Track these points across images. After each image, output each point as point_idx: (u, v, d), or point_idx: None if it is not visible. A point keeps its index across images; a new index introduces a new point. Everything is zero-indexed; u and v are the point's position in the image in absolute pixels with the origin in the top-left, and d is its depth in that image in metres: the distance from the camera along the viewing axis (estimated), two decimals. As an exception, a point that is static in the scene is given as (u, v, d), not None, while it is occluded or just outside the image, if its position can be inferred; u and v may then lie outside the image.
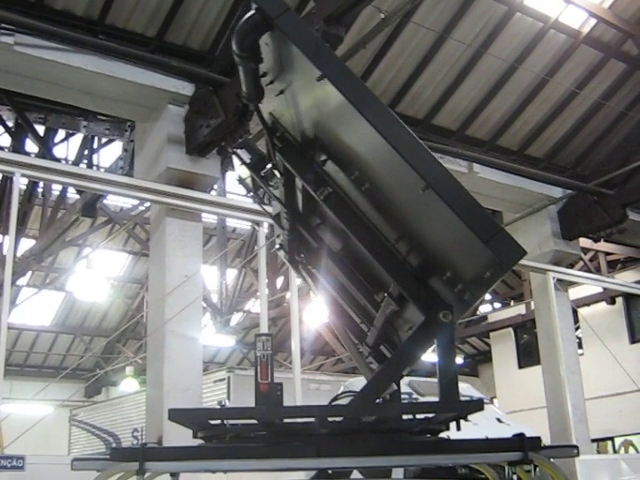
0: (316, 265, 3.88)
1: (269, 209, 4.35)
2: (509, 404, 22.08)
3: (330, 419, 2.77)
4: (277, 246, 4.46)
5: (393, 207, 2.74)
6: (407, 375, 3.31)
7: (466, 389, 12.77)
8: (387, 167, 2.57)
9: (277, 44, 2.81)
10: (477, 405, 2.68)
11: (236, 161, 3.82)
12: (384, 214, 2.82)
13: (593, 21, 12.00)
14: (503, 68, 12.14)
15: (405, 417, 2.93)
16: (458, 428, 2.76)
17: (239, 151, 3.75)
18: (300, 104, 3.04)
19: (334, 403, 3.55)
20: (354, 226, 2.93)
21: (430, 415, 2.86)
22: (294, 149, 3.21)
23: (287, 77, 2.97)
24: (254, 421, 2.80)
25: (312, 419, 2.67)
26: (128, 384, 23.39)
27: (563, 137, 13.71)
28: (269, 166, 3.50)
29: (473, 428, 3.06)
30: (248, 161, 3.71)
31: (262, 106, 3.24)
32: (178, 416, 2.71)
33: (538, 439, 2.64)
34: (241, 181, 4.13)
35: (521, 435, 2.61)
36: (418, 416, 2.90)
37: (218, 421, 2.80)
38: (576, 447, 2.84)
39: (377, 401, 2.84)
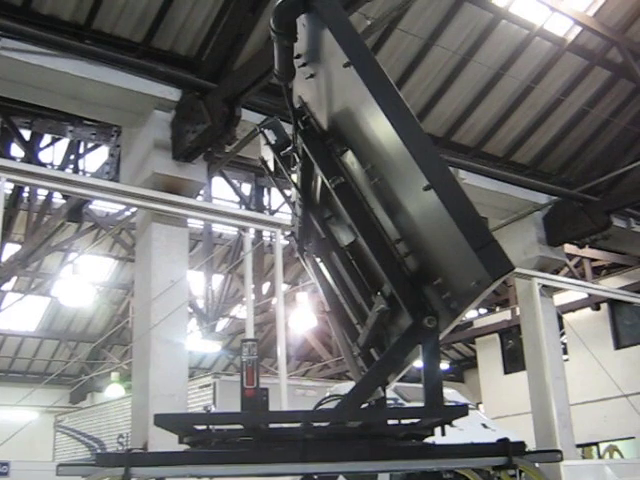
0: (321, 257, 3.91)
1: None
2: (495, 410, 22.14)
3: (316, 424, 2.78)
4: (288, 233, 4.50)
5: (397, 205, 2.76)
6: (398, 381, 3.33)
7: (452, 395, 12.81)
8: (396, 163, 2.59)
9: (313, 26, 2.85)
10: (461, 410, 2.69)
11: (262, 140, 3.84)
12: (389, 212, 2.84)
13: (578, 29, 12.08)
14: (489, 75, 12.21)
15: (390, 422, 2.95)
16: (443, 433, 2.78)
17: (266, 131, 3.77)
18: (327, 90, 3.08)
19: (319, 408, 3.55)
20: (360, 220, 2.96)
21: (415, 420, 2.88)
22: (316, 135, 3.25)
23: (318, 61, 3.01)
24: (240, 426, 2.81)
25: (297, 424, 2.68)
26: (113, 390, 23.26)
27: (548, 144, 13.79)
28: (289, 148, 3.53)
29: (458, 434, 3.07)
30: (273, 142, 3.74)
31: (294, 88, 3.29)
32: (163, 421, 2.72)
33: (522, 444, 2.66)
34: (263, 162, 4.14)
35: (505, 440, 2.63)
36: (404, 421, 2.91)
37: (204, 426, 2.80)
38: (559, 452, 2.86)
39: (363, 406, 2.85)
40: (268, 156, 3.98)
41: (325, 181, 3.08)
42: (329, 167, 3.11)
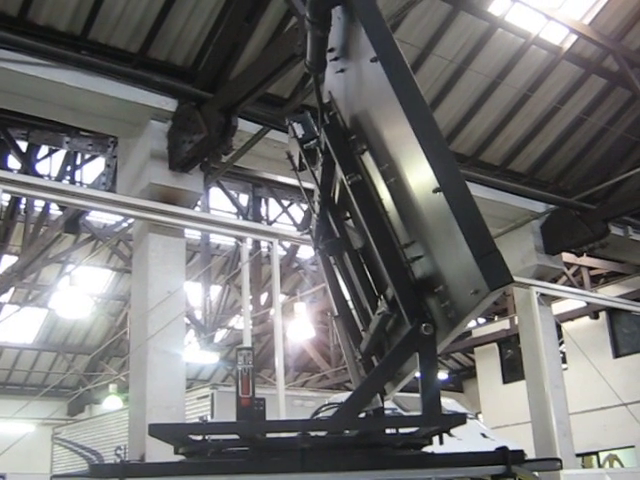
0: (334, 257, 3.92)
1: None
2: (494, 419, 22.11)
3: (313, 433, 2.75)
4: (306, 230, 4.51)
5: (408, 207, 2.74)
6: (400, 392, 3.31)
7: (451, 405, 12.80)
8: (411, 163, 2.57)
9: (347, 20, 2.85)
10: (459, 419, 2.66)
11: (290, 133, 3.84)
12: (401, 214, 2.82)
13: (574, 37, 12.11)
14: (485, 84, 12.22)
15: (389, 431, 2.92)
16: (441, 442, 2.75)
17: (295, 124, 3.77)
18: (354, 85, 3.10)
19: (316, 417, 3.53)
20: (372, 220, 2.95)
21: (414, 429, 2.85)
22: (339, 131, 3.25)
23: (349, 55, 3.02)
24: (236, 436, 2.78)
25: (295, 434, 2.65)
26: (111, 402, 23.21)
27: (545, 152, 13.79)
28: (313, 141, 3.53)
29: (457, 443, 3.05)
30: (300, 136, 3.73)
31: (325, 82, 3.33)
32: (158, 431, 2.69)
33: (521, 452, 2.63)
34: (288, 157, 4.13)
35: (504, 448, 2.60)
36: (401, 430, 2.88)
37: (199, 436, 2.77)
38: (559, 460, 2.84)
39: (360, 415, 2.83)
40: (294, 150, 3.98)
41: (343, 177, 3.08)
42: (348, 163, 3.11)
